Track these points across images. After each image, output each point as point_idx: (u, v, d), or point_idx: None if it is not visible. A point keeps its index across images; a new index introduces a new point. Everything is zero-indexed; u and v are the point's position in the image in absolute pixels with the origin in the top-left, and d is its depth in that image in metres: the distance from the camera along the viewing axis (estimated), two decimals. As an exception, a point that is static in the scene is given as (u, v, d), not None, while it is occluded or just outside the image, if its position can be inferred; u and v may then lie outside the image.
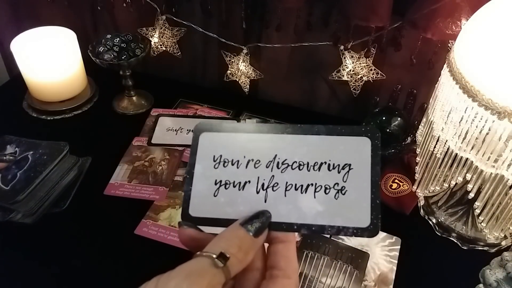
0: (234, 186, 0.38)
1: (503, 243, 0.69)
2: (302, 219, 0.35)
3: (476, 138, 0.55)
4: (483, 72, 0.51)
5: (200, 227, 0.36)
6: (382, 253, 0.68)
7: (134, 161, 0.82)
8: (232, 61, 0.92)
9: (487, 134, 0.53)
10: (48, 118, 0.92)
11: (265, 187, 0.37)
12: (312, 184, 0.37)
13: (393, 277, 0.65)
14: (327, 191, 0.36)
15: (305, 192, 0.36)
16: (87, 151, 0.83)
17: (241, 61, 0.91)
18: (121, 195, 0.76)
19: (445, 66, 0.58)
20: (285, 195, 0.37)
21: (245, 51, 0.90)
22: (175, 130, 0.88)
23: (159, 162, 0.82)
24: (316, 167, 0.37)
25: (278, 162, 0.38)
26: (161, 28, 0.93)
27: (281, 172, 0.37)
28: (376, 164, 0.36)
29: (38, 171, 0.73)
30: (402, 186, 0.78)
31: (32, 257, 0.68)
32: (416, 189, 0.70)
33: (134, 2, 0.94)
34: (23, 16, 1.08)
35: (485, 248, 0.69)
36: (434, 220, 0.72)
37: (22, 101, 0.95)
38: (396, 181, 0.79)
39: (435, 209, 0.73)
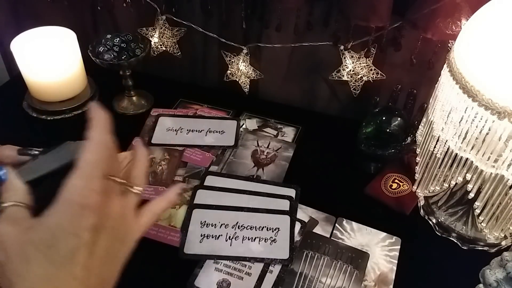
0: (212, 238, 0.68)
1: (503, 243, 0.69)
2: (252, 255, 0.66)
3: (476, 138, 0.55)
4: (483, 72, 0.51)
5: None
6: (382, 253, 0.68)
7: (134, 161, 0.82)
8: (232, 61, 0.92)
9: (487, 134, 0.53)
10: (48, 118, 0.92)
11: (230, 238, 0.67)
12: (258, 237, 0.68)
13: (393, 277, 0.65)
14: (266, 240, 0.67)
15: (254, 241, 0.67)
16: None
17: (241, 61, 0.91)
18: (121, 195, 0.76)
19: (445, 66, 0.58)
20: (242, 242, 0.67)
21: (245, 51, 0.90)
22: (175, 130, 0.88)
23: (159, 162, 0.82)
24: (260, 228, 0.69)
25: (239, 225, 0.69)
26: (161, 28, 0.93)
27: (240, 230, 0.68)
28: (292, 227, 0.69)
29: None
30: (402, 186, 0.78)
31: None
32: (416, 189, 0.70)
33: (134, 2, 0.94)
34: (23, 16, 1.08)
35: (485, 248, 0.69)
36: (434, 220, 0.72)
37: (22, 101, 0.95)
38: (396, 181, 0.79)
39: (435, 209, 0.73)
